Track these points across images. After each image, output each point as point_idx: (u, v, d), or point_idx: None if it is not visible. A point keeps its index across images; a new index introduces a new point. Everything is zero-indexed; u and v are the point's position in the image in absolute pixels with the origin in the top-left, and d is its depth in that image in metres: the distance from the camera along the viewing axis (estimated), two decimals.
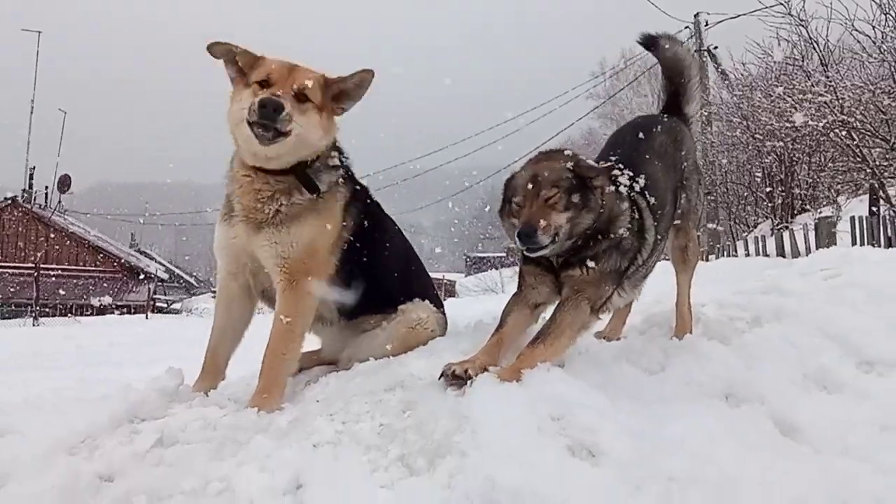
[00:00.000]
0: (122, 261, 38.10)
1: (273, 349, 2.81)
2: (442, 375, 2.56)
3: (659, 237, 3.29)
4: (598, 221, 2.98)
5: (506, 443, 2.11)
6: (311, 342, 3.33)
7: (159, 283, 41.05)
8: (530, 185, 2.90)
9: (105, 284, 35.95)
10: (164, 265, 47.80)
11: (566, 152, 3.07)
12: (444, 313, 3.42)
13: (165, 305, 40.51)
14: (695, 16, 23.96)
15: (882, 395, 2.87)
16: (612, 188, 3.06)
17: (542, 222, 2.81)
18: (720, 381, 2.98)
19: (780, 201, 20.44)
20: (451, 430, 2.23)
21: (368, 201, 3.23)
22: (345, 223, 3.03)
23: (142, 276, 37.35)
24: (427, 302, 3.26)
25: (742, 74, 20.11)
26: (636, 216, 3.14)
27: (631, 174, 3.16)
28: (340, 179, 3.05)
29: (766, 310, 3.72)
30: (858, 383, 3.02)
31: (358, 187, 3.18)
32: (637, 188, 3.16)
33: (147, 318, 28.11)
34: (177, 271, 52.36)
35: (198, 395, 2.81)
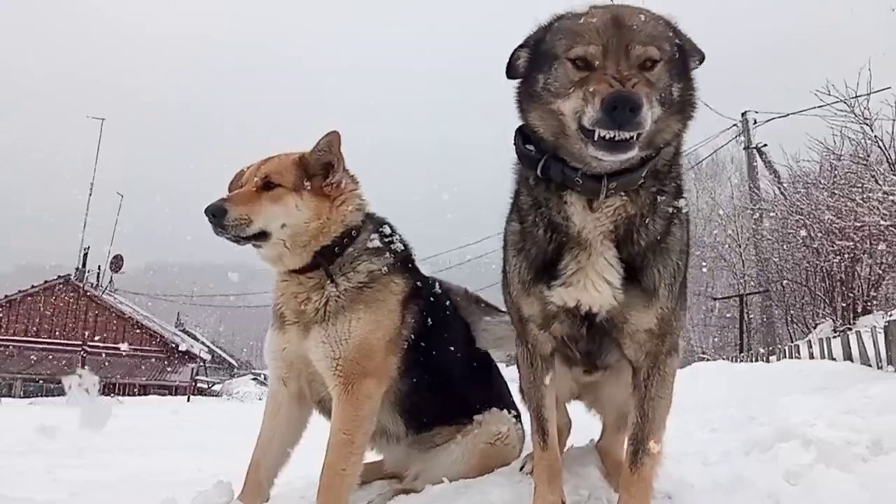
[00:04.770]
0: (167, 340, 38.29)
1: (331, 464, 2.47)
2: None
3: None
4: (667, 146, 1.97)
5: None
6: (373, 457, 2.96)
7: (201, 364, 41.07)
8: (613, 33, 1.82)
9: (149, 364, 36.08)
10: (207, 345, 48.03)
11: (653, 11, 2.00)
12: (521, 423, 3.02)
13: (206, 387, 40.35)
14: (742, 114, 24.15)
15: None
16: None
17: (643, 90, 1.74)
18: None
19: (840, 301, 19.55)
20: None
21: (432, 297, 2.92)
22: (403, 319, 2.74)
23: (185, 357, 37.47)
24: (506, 412, 2.89)
25: (794, 172, 19.69)
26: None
27: None
28: (385, 268, 2.76)
29: (887, 433, 3.23)
30: None
31: (419, 282, 2.88)
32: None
33: (188, 400, 27.87)
34: (219, 352, 52.55)
35: None
